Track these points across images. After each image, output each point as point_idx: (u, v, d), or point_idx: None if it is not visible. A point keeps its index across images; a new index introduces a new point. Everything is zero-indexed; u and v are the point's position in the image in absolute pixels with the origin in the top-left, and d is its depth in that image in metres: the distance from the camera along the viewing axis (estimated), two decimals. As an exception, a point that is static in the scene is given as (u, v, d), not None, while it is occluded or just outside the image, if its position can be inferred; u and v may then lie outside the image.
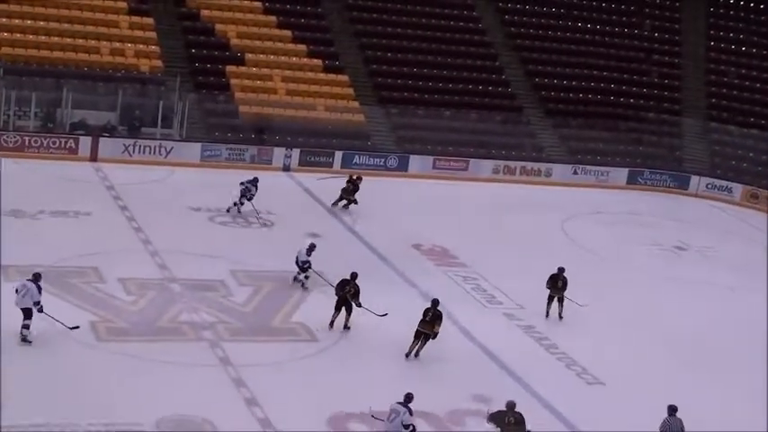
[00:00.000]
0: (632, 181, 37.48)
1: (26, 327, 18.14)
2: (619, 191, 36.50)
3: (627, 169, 37.58)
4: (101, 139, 31.34)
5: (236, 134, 33.70)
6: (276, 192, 30.00)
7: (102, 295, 20.19)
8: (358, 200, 28.89)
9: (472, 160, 35.73)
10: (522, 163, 36.37)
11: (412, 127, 36.64)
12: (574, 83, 39.98)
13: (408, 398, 16.03)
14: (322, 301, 21.77)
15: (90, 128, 31.89)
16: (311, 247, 22.51)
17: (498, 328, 21.88)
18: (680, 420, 16.58)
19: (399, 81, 37.68)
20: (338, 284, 20.82)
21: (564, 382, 19.78)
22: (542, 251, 26.94)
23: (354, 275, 20.81)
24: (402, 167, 34.55)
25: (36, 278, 18.44)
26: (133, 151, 31.46)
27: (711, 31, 43.03)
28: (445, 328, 20.09)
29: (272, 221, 26.99)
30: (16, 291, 18.38)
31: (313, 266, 22.37)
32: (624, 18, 42.71)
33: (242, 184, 27.25)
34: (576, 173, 36.88)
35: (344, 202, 28.98)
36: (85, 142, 31.07)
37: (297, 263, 22.48)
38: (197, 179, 30.56)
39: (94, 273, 21.26)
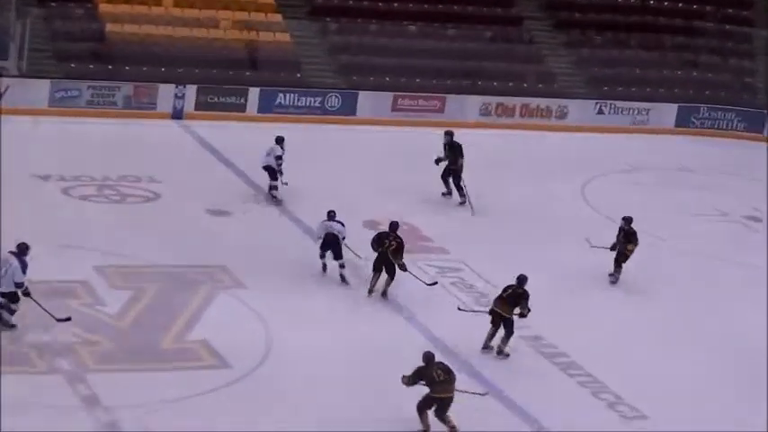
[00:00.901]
0: (683, 122, 37.85)
1: (10, 311, 19.52)
2: (664, 137, 36.84)
3: (675, 105, 37.96)
4: None
5: (103, 66, 33.59)
6: (163, 148, 29.81)
7: None
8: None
9: (450, 97, 35.88)
10: (525, 99, 36.57)
11: (361, 50, 36.64)
12: (596, -19, 40.22)
13: None
14: (232, 308, 21.80)
15: None
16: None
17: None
18: None
19: (342, -18, 37.69)
20: (374, 239, 22.98)
21: (591, 416, 19.85)
22: (553, 227, 27.14)
23: (395, 225, 23.10)
24: (347, 110, 34.56)
25: (21, 250, 19.66)
26: (-50, 94, 31.34)
27: None
28: (418, 343, 20.25)
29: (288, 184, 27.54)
30: None
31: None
32: None
33: (278, 159, 27.12)
34: (601, 112, 37.14)
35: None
36: None
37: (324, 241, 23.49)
38: (46, 132, 30.45)
39: None
